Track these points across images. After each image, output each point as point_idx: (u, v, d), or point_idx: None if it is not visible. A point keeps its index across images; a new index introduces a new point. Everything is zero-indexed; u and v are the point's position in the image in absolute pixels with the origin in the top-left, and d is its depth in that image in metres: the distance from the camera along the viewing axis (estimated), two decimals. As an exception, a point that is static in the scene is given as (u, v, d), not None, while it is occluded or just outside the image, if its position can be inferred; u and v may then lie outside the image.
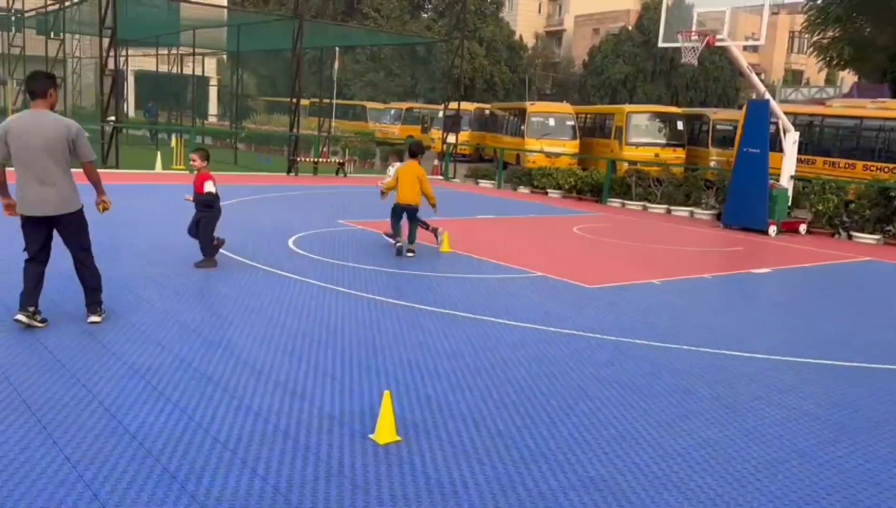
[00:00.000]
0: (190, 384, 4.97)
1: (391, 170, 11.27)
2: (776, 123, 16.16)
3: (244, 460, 3.95)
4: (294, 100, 23.06)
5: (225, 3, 37.41)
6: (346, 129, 35.59)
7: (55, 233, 6.03)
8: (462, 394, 5.13)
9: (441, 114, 30.53)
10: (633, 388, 5.48)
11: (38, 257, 5.97)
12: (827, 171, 20.62)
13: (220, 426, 4.36)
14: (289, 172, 22.61)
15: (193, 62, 35.03)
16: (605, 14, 62.33)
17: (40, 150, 5.69)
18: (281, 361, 5.58)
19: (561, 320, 7.32)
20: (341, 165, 23.90)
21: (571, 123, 29.12)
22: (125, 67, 33.52)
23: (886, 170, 19.68)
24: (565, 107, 30.93)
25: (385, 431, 4.29)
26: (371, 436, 4.32)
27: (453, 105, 27.19)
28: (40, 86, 5.81)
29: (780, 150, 16.31)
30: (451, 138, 26.87)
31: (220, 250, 8.90)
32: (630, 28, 54.56)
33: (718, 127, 26.15)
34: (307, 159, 23.40)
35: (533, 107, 30.25)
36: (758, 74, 17.12)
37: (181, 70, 36.65)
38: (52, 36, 27.81)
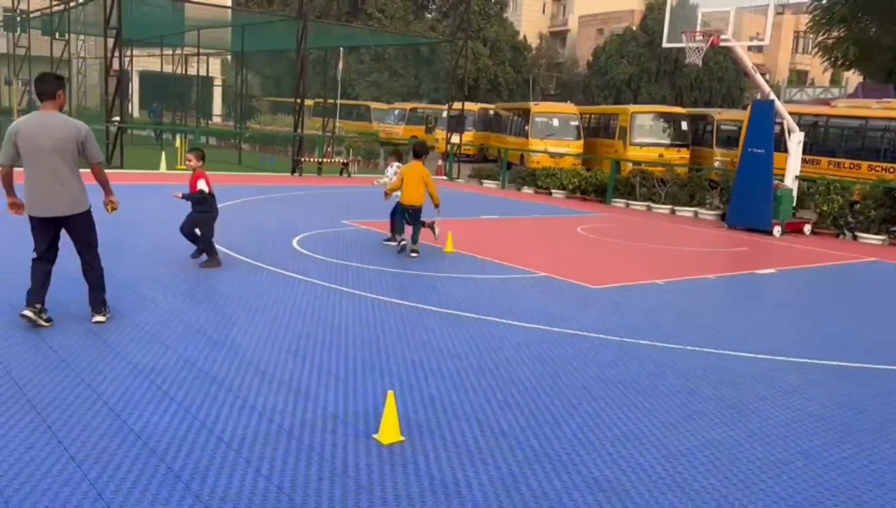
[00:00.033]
0: (194, 384, 4.98)
1: (389, 170, 11.27)
2: (781, 124, 16.13)
3: (248, 460, 3.96)
4: (298, 100, 23.08)
5: (229, 4, 37.51)
6: (350, 129, 35.59)
7: (62, 233, 6.07)
8: (466, 394, 5.13)
9: (445, 114, 30.55)
10: (637, 388, 5.48)
11: (45, 257, 6.00)
12: (832, 171, 20.58)
13: (224, 425, 4.36)
14: (293, 172, 22.64)
15: (198, 62, 35.10)
16: (609, 14, 62.24)
17: (50, 151, 5.73)
18: (285, 361, 5.59)
19: (565, 320, 7.32)
20: (345, 165, 23.92)
21: (575, 123, 29.10)
22: (130, 68, 33.59)
23: (891, 170, 19.64)
24: (569, 107, 30.91)
25: (389, 431, 4.29)
26: (375, 436, 4.32)
27: (457, 105, 27.20)
28: (49, 87, 5.85)
29: (785, 150, 16.27)
30: (455, 139, 26.88)
31: (224, 250, 8.90)
32: (634, 28, 54.47)
33: (723, 127, 26.10)
34: (311, 160, 23.42)
35: (537, 107, 30.24)
36: (762, 75, 17.09)
37: (185, 70, 36.74)
38: (57, 36, 27.86)
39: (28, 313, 5.86)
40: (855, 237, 15.88)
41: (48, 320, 5.96)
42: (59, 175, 5.78)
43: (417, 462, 4.07)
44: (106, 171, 6.19)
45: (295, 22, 23.35)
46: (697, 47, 15.43)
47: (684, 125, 27.25)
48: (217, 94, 48.69)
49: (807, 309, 8.98)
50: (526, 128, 29.41)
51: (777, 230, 15.44)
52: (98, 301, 6.18)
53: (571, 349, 6.38)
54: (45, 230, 5.93)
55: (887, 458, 4.55)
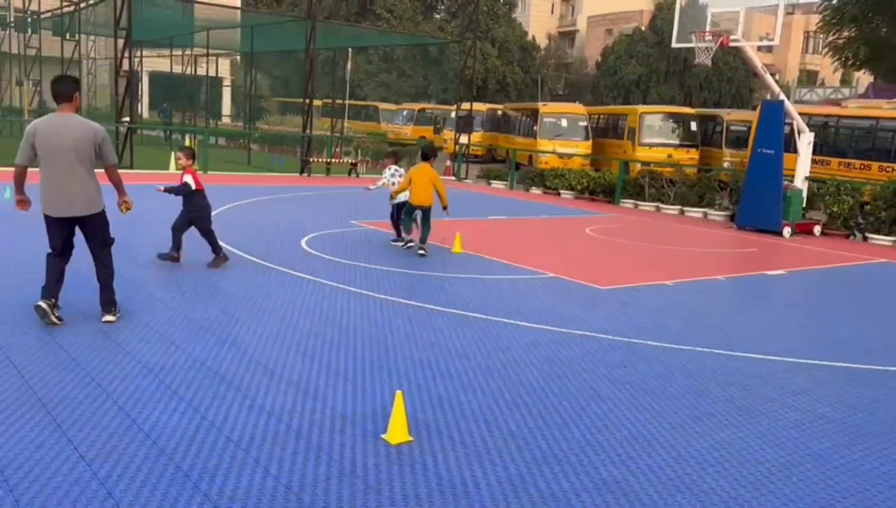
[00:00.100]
0: (203, 384, 4.99)
1: (386, 173, 11.27)
2: (790, 124, 16.05)
3: (257, 459, 3.97)
4: (307, 100, 23.13)
5: (238, 4, 37.62)
6: (358, 129, 35.65)
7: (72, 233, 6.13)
8: (474, 394, 5.13)
9: (453, 114, 30.53)
10: (646, 389, 5.46)
11: (61, 254, 6.09)
12: (842, 172, 20.46)
13: (233, 425, 4.37)
14: (302, 172, 22.69)
15: (207, 63, 35.23)
16: (618, 14, 62.10)
17: (69, 151, 5.82)
18: (294, 361, 5.60)
19: (573, 321, 7.30)
20: (354, 165, 23.96)
21: (584, 123, 29.04)
22: (140, 68, 33.75)
23: (902, 171, 19.52)
24: (578, 107, 30.85)
25: (397, 431, 4.29)
26: (383, 436, 4.33)
27: (465, 106, 27.19)
28: (66, 90, 5.95)
29: (795, 151, 16.20)
30: (464, 139, 26.87)
31: (233, 250, 8.92)
32: (643, 28, 54.35)
33: (732, 128, 26.00)
34: (320, 160, 23.47)
35: (545, 108, 30.19)
36: (772, 75, 17.02)
37: (195, 71, 36.85)
38: (67, 37, 28.03)
39: (42, 304, 5.93)
40: (865, 238, 15.79)
41: (59, 318, 6.00)
42: (76, 176, 5.87)
43: (425, 462, 4.07)
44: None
45: (304, 22, 23.40)
46: (707, 47, 15.37)
47: (693, 126, 27.16)
48: (226, 94, 48.84)
49: (816, 310, 8.94)
50: (534, 128, 29.37)
51: (787, 231, 15.37)
52: (108, 301, 6.22)
53: (580, 349, 6.36)
54: (60, 230, 6.01)
55: (898, 460, 4.52)
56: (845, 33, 33.18)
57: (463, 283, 8.73)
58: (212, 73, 37.62)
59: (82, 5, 26.00)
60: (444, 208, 10.40)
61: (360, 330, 6.52)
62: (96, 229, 6.12)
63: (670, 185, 19.74)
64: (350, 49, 31.68)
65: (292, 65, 46.38)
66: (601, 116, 30.42)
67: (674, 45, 16.83)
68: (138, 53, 33.36)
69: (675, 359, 6.27)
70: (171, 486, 3.62)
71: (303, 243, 10.65)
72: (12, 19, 32.96)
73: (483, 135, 34.62)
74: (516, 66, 54.25)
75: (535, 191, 22.38)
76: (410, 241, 10.46)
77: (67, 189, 5.86)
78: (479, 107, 34.67)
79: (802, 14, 59.31)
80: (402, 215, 10.71)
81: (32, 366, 5.10)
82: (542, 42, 61.93)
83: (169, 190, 8.47)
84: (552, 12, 69.72)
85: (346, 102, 30.76)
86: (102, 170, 6.08)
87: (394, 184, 10.88)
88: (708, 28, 15.52)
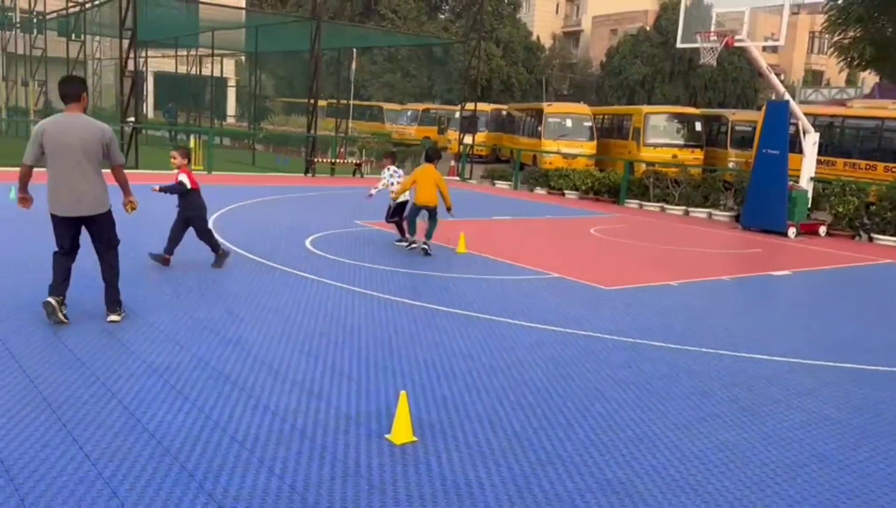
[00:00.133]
0: (208, 384, 5.00)
1: (385, 173, 11.27)
2: (796, 124, 16.02)
3: (261, 459, 3.97)
4: (311, 101, 23.16)
5: (243, 5, 37.66)
6: (363, 130, 35.68)
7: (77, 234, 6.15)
8: (478, 395, 5.12)
9: (458, 115, 30.56)
10: (651, 390, 5.45)
11: (68, 252, 6.12)
12: (847, 172, 20.42)
13: (237, 425, 4.38)
14: (306, 172, 22.72)
15: (212, 63, 35.29)
16: (622, 14, 62.04)
17: (77, 151, 5.85)
18: (298, 360, 5.60)
19: (577, 321, 7.30)
20: (358, 165, 23.98)
21: (589, 123, 29.02)
22: (145, 69, 33.85)
23: (908, 171, 19.47)
24: (582, 108, 30.84)
25: (401, 431, 4.29)
26: (387, 436, 4.33)
27: (470, 106, 27.20)
28: (74, 90, 5.98)
29: (800, 151, 16.17)
30: (468, 139, 26.87)
31: (237, 250, 8.92)
32: (648, 28, 54.26)
33: (737, 128, 25.98)
34: (324, 160, 23.50)
35: (550, 108, 30.18)
36: (777, 75, 16.98)
37: (200, 71, 36.94)
38: (73, 38, 28.08)
39: (51, 300, 5.96)
40: (871, 239, 15.75)
41: (66, 316, 6.03)
42: (84, 175, 5.90)
43: (430, 462, 4.07)
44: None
45: (308, 23, 23.44)
46: (712, 48, 15.35)
47: (698, 126, 27.13)
48: (231, 94, 48.95)
49: (822, 311, 8.91)
50: (539, 128, 29.36)
51: (792, 232, 15.34)
52: (113, 300, 6.24)
53: (584, 350, 6.36)
54: (67, 229, 6.04)
55: (904, 462, 4.50)
56: (851, 33, 33.06)
57: (467, 283, 8.72)
58: (216, 73, 37.70)
59: (88, 6, 26.07)
60: (448, 209, 10.48)
61: (364, 330, 6.53)
62: (103, 228, 6.15)
63: (675, 185, 19.72)
64: (354, 49, 31.73)
65: (297, 65, 46.46)
66: (606, 117, 30.40)
67: (679, 45, 16.82)
68: (143, 54, 33.47)
69: (680, 360, 6.25)
70: (175, 486, 3.62)
71: (307, 243, 10.65)
72: (18, 20, 33.09)
73: (487, 135, 34.63)
74: (521, 66, 54.20)
75: (540, 191, 22.37)
76: (414, 242, 10.49)
77: (75, 188, 5.89)
78: (484, 107, 34.69)
79: (808, 14, 59.22)
80: (404, 214, 10.73)
81: (38, 366, 5.11)
82: (547, 42, 61.88)
83: (164, 189, 8.40)
84: (557, 12, 69.69)
85: (351, 102, 30.81)
86: (108, 170, 6.10)
87: (393, 184, 10.92)
88: (713, 28, 15.50)
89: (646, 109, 28.60)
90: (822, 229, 16.07)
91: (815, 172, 16.61)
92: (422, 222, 10.55)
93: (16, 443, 3.96)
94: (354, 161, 24.65)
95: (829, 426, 5.00)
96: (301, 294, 7.66)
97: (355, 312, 7.12)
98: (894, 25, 31.54)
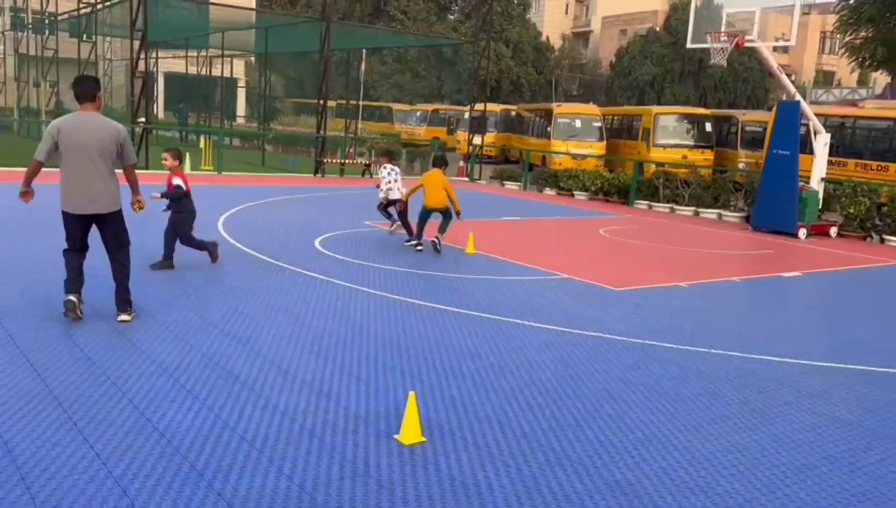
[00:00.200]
0: (217, 383, 5.02)
1: (384, 172, 11.49)
2: (806, 125, 15.94)
3: (271, 459, 3.98)
4: (321, 101, 23.20)
5: (253, 6, 37.80)
6: (372, 130, 35.74)
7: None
8: (487, 395, 5.12)
9: (467, 115, 30.53)
10: (660, 391, 5.44)
11: (79, 249, 6.18)
12: (859, 173, 20.29)
13: (247, 424, 4.39)
14: (316, 173, 22.76)
15: (222, 64, 35.41)
16: (632, 15, 61.91)
17: (93, 149, 5.90)
18: (307, 360, 5.62)
19: (586, 322, 7.28)
20: (367, 166, 24.00)
21: (598, 124, 28.94)
22: (155, 69, 33.99)
23: (920, 172, 19.33)
24: (592, 108, 30.76)
25: (410, 431, 4.30)
26: (396, 437, 4.33)
27: (479, 106, 27.18)
28: (89, 90, 6.04)
29: (811, 152, 16.09)
30: (477, 140, 26.86)
31: (247, 250, 8.93)
32: (658, 29, 54.13)
33: (747, 129, 25.85)
34: (334, 161, 23.54)
35: (559, 108, 30.11)
36: (788, 76, 16.91)
37: (210, 72, 37.08)
38: (84, 39, 28.22)
39: (73, 297, 6.03)
40: (882, 240, 15.65)
41: (81, 311, 6.10)
42: (99, 173, 5.96)
43: (438, 462, 4.07)
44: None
45: (318, 23, 23.47)
46: (722, 48, 15.29)
47: (708, 126, 27.02)
48: (241, 95, 49.13)
49: (832, 313, 8.86)
50: (548, 129, 29.29)
51: (802, 233, 15.26)
52: (124, 300, 6.28)
53: (593, 351, 6.34)
54: (78, 227, 6.10)
55: (916, 464, 4.47)
56: (862, 33, 32.88)
57: (476, 284, 8.72)
58: (226, 74, 37.82)
59: (99, 7, 26.20)
60: (457, 213, 10.57)
61: (373, 330, 6.53)
62: (114, 227, 6.19)
63: (685, 186, 19.65)
64: (364, 50, 31.77)
65: (306, 66, 46.56)
66: (615, 117, 30.31)
67: (689, 45, 16.76)
68: (154, 55, 33.60)
69: (690, 361, 6.23)
70: (185, 485, 3.64)
71: (316, 243, 10.68)
72: (30, 21, 33.29)
73: (496, 136, 34.59)
74: (530, 66, 54.15)
75: (549, 192, 22.34)
76: (421, 244, 10.56)
77: (90, 186, 5.94)
78: (493, 108, 34.65)
79: (819, 14, 58.92)
80: (418, 219, 10.85)
81: (49, 364, 5.14)
82: (556, 43, 61.82)
83: (164, 196, 8.26)
84: (566, 13, 69.61)
85: (360, 102, 30.85)
86: (118, 169, 6.14)
87: (390, 182, 11.28)
88: (723, 28, 15.43)
89: (655, 109, 28.50)
90: (833, 231, 15.99)
91: (826, 173, 16.52)
92: (434, 221, 10.65)
93: (27, 442, 3.98)
94: (364, 162, 24.68)
95: (839, 429, 4.97)
96: (310, 294, 7.68)
97: (364, 312, 7.13)
98: (906, 26, 31.33)
